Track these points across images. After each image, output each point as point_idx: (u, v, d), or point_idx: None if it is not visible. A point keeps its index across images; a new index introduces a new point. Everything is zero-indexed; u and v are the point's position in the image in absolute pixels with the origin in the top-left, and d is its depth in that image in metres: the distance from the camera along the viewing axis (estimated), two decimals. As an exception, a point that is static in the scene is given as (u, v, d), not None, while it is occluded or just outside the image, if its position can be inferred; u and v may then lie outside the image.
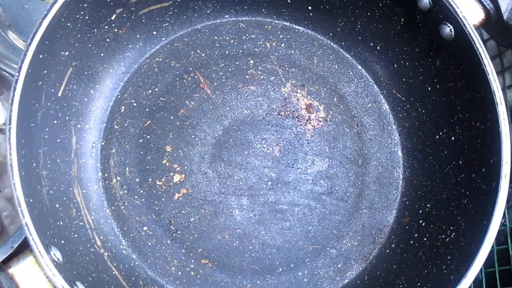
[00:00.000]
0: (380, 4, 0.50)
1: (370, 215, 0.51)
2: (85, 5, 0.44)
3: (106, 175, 0.49)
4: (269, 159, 0.51)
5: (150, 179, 0.49)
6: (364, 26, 0.52)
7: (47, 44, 0.40)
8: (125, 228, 0.48)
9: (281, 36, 0.55)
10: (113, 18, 0.48)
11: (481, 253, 0.39)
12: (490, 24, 0.46)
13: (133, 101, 0.51)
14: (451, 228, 0.45)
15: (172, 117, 0.51)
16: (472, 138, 0.45)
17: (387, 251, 0.50)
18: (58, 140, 0.46)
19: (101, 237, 0.47)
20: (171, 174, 0.50)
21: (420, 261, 0.46)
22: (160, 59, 0.52)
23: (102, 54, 0.49)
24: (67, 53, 0.45)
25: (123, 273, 0.46)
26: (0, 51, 0.55)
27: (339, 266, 0.50)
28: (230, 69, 0.53)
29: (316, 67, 0.54)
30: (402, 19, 0.49)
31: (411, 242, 0.48)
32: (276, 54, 0.54)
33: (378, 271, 0.49)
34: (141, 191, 0.49)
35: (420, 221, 0.49)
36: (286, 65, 0.54)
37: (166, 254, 0.48)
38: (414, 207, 0.50)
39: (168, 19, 0.52)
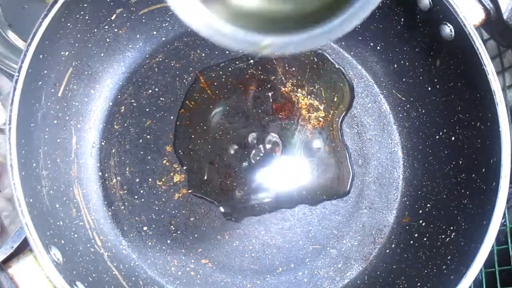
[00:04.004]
0: (380, 4, 0.49)
1: (370, 215, 0.51)
2: (85, 5, 0.44)
3: (106, 175, 0.49)
4: (270, 158, 0.51)
5: (150, 179, 0.49)
6: (364, 26, 0.52)
7: (47, 44, 0.40)
8: (125, 228, 0.48)
9: (281, 36, 0.55)
10: (113, 18, 0.48)
11: (481, 253, 0.39)
12: (490, 24, 0.46)
13: (133, 101, 0.51)
14: (451, 228, 0.45)
15: (172, 117, 0.51)
16: (472, 138, 0.45)
17: (387, 251, 0.50)
18: (58, 140, 0.46)
19: (101, 237, 0.47)
20: (171, 174, 0.50)
21: (420, 261, 0.46)
22: (160, 59, 0.52)
23: (102, 54, 0.49)
24: (67, 53, 0.45)
25: (123, 273, 0.46)
26: (0, 51, 0.55)
27: (339, 266, 0.50)
28: (230, 69, 0.53)
29: (316, 67, 0.54)
30: (402, 19, 0.49)
31: (411, 242, 0.48)
32: (276, 54, 0.54)
33: (378, 271, 0.49)
34: (141, 191, 0.49)
35: (420, 221, 0.49)
36: (286, 65, 0.54)
37: (166, 254, 0.48)
38: (414, 207, 0.50)
39: (168, 19, 0.52)
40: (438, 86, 0.49)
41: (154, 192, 0.49)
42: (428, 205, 0.49)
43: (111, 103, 0.51)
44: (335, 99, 0.53)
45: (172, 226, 0.49)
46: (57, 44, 0.43)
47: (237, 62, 0.53)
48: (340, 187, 0.51)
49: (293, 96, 0.53)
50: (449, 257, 0.43)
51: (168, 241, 0.48)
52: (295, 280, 0.49)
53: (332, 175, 0.51)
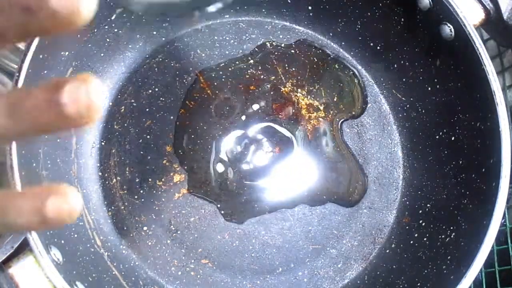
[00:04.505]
0: (380, 4, 0.50)
1: (370, 215, 0.51)
2: (85, 5, 0.44)
3: (106, 175, 0.49)
4: (269, 158, 0.51)
5: (150, 179, 0.49)
6: (364, 26, 0.52)
7: (47, 44, 0.40)
8: (125, 228, 0.48)
9: (281, 36, 0.55)
10: (113, 18, 0.48)
11: (481, 253, 0.39)
12: (490, 24, 0.46)
13: (133, 101, 0.51)
14: (451, 228, 0.45)
15: (172, 117, 0.51)
16: (472, 138, 0.45)
17: (387, 251, 0.50)
18: (58, 140, 0.46)
19: (101, 237, 0.47)
20: (171, 174, 0.50)
21: (420, 261, 0.46)
22: (160, 59, 0.52)
23: (102, 54, 0.49)
24: (67, 53, 0.45)
25: (123, 273, 0.46)
26: (0, 51, 0.55)
27: (339, 266, 0.50)
28: (230, 69, 0.53)
29: (316, 67, 0.54)
30: (402, 19, 0.49)
31: (411, 242, 0.48)
32: (276, 54, 0.54)
33: (378, 271, 0.49)
34: (141, 191, 0.49)
35: (420, 221, 0.49)
36: (286, 65, 0.54)
37: (166, 254, 0.48)
38: (414, 207, 0.50)
39: (168, 19, 0.52)
40: (438, 86, 0.49)
41: (154, 192, 0.49)
42: (428, 205, 0.49)
43: (111, 103, 0.51)
44: (335, 99, 0.53)
45: (172, 226, 0.49)
46: (57, 44, 0.43)
47: (237, 62, 0.53)
48: (345, 191, 0.51)
49: (293, 96, 0.53)
50: (449, 257, 0.43)
51: (168, 241, 0.48)
52: (295, 280, 0.49)
53: (333, 175, 0.51)
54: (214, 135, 0.51)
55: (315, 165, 0.51)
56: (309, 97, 0.53)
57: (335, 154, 0.52)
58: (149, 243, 0.48)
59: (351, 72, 0.54)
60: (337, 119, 0.53)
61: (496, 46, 0.57)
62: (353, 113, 0.53)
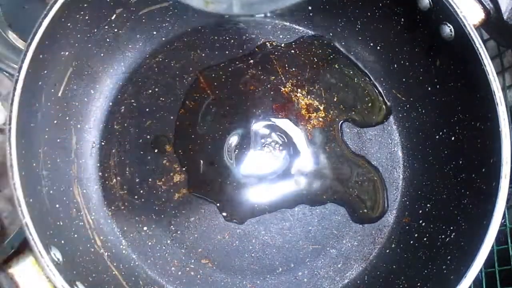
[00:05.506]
0: (380, 4, 0.50)
1: (370, 215, 0.51)
2: (85, 5, 0.44)
3: (106, 175, 0.49)
4: (269, 158, 0.51)
5: (150, 179, 0.49)
6: (364, 26, 0.52)
7: (47, 44, 0.40)
8: (125, 228, 0.48)
9: (281, 36, 0.55)
10: (113, 18, 0.48)
11: (481, 253, 0.39)
12: (490, 24, 0.46)
13: (133, 101, 0.51)
14: (451, 228, 0.45)
15: (172, 117, 0.51)
16: (472, 138, 0.45)
17: (387, 251, 0.50)
18: (58, 140, 0.46)
19: (101, 237, 0.47)
20: (171, 174, 0.50)
21: (420, 261, 0.46)
22: (160, 59, 0.52)
23: (102, 54, 0.49)
24: (67, 53, 0.45)
25: (123, 273, 0.46)
26: (0, 51, 0.55)
27: (339, 266, 0.50)
28: (230, 69, 0.53)
29: (316, 67, 0.54)
30: (402, 19, 0.49)
31: (411, 242, 0.48)
32: (276, 54, 0.54)
33: (378, 271, 0.49)
34: (141, 191, 0.49)
35: (420, 221, 0.49)
36: (286, 65, 0.54)
37: (166, 254, 0.48)
38: (414, 207, 0.50)
39: (168, 19, 0.52)
40: (438, 86, 0.49)
41: (154, 192, 0.49)
42: (428, 205, 0.49)
43: (111, 103, 0.51)
44: (335, 99, 0.53)
45: (172, 226, 0.49)
46: (57, 44, 0.43)
47: (237, 62, 0.53)
48: (344, 191, 0.51)
49: (293, 96, 0.53)
50: (449, 257, 0.43)
51: (168, 241, 0.48)
52: (295, 280, 0.49)
53: (334, 175, 0.51)
54: (214, 135, 0.51)
55: (315, 165, 0.51)
56: (309, 97, 0.53)
57: (335, 154, 0.52)
58: (149, 243, 0.48)
59: (351, 72, 0.54)
60: (337, 120, 0.53)
61: (496, 46, 0.57)
62: (353, 112, 0.53)
